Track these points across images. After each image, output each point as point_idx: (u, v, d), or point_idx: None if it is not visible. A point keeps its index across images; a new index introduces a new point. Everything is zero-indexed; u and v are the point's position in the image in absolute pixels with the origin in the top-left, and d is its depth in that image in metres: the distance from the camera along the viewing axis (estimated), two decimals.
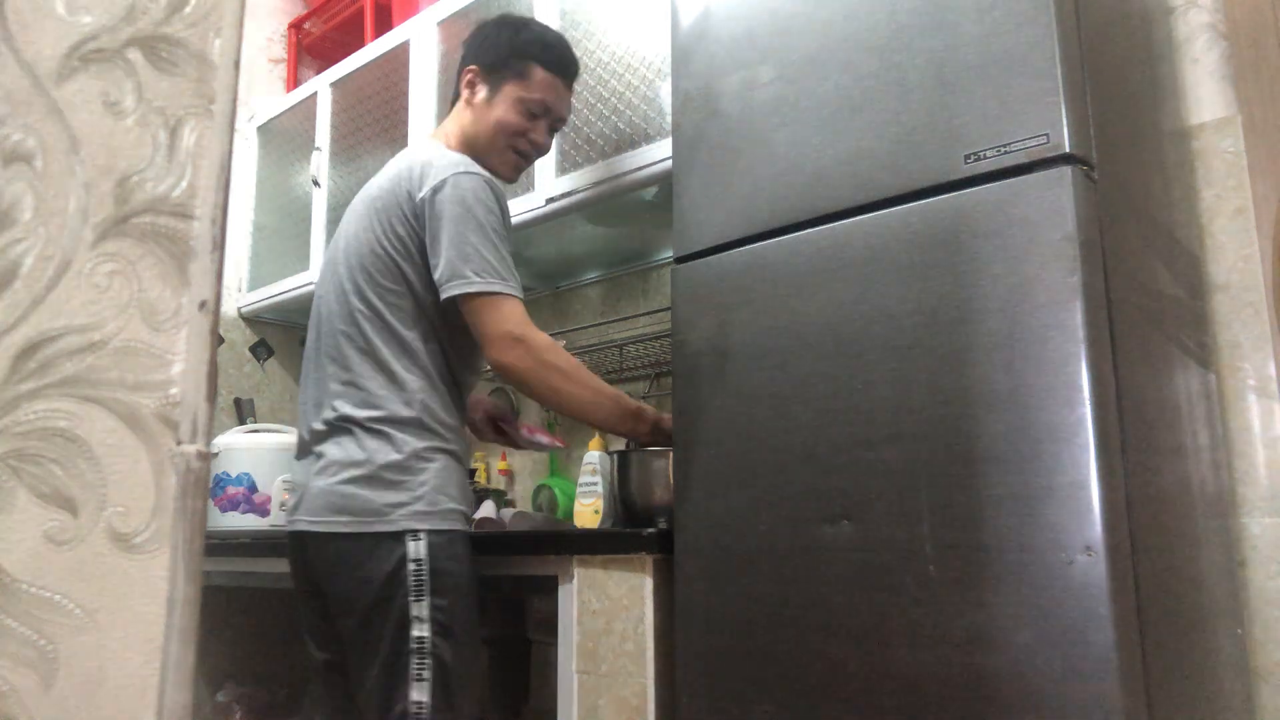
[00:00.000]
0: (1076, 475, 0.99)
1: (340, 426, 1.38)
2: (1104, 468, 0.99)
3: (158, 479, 0.48)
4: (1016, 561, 1.02)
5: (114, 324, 0.48)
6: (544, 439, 1.77)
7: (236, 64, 0.54)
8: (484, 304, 1.36)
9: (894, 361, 1.15)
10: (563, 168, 1.95)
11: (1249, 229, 1.44)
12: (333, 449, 1.37)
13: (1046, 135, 1.07)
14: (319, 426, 1.42)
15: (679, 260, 1.41)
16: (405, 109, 2.33)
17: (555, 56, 1.57)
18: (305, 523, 1.38)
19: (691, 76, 1.44)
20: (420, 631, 1.30)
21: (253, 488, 2.16)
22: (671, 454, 1.41)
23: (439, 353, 1.42)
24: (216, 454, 2.17)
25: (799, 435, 1.22)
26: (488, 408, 1.73)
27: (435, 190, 1.39)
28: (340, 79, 2.59)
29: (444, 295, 1.37)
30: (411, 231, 1.41)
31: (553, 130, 1.61)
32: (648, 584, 1.35)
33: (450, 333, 1.42)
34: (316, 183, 2.56)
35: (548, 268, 2.35)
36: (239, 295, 2.84)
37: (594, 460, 1.85)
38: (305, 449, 1.46)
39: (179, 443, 0.49)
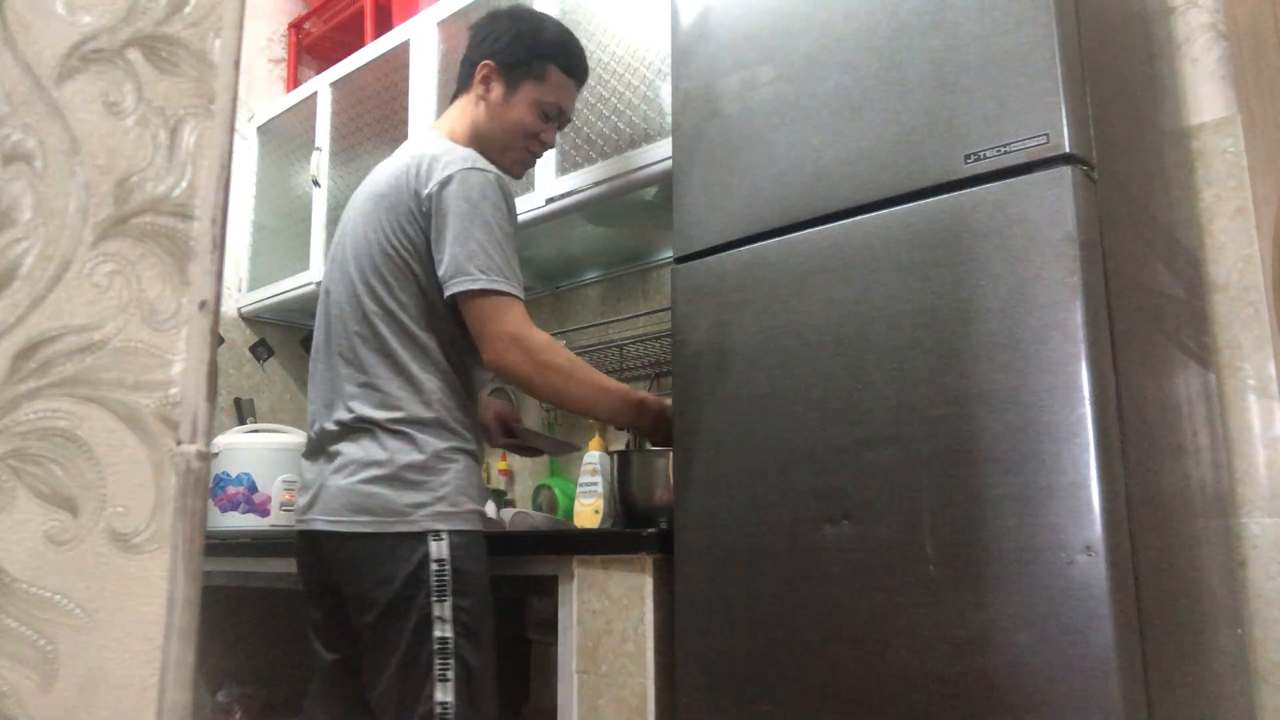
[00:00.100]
0: (1076, 475, 0.99)
1: (358, 427, 1.36)
2: (1104, 468, 0.99)
3: (158, 479, 0.48)
4: (1016, 561, 1.02)
5: (114, 324, 0.48)
6: (556, 442, 1.74)
7: (236, 64, 0.54)
8: (485, 303, 1.35)
9: (894, 361, 1.15)
10: (563, 168, 1.95)
11: (1249, 229, 1.44)
12: (351, 448, 1.36)
13: (1046, 135, 1.07)
14: (332, 427, 1.40)
15: (679, 260, 1.41)
16: (405, 109, 2.33)
17: (574, 60, 1.57)
18: (322, 522, 1.36)
19: (691, 76, 1.44)
20: (443, 632, 1.29)
21: (253, 488, 2.16)
22: (671, 454, 1.41)
23: (453, 351, 1.41)
24: (216, 454, 2.17)
25: (799, 435, 1.22)
26: (498, 409, 1.71)
27: (443, 185, 1.37)
28: (340, 79, 2.59)
29: (447, 292, 1.36)
30: (420, 231, 1.39)
31: (559, 130, 1.62)
32: (648, 584, 1.35)
33: (462, 331, 1.41)
34: (316, 183, 2.56)
35: (548, 268, 2.35)
36: (239, 295, 2.84)
37: (594, 460, 1.85)
38: (318, 449, 1.44)
39: (179, 443, 0.49)
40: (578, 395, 1.42)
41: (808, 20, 1.31)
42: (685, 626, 1.30)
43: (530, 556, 1.51)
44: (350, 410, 1.38)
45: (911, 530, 1.10)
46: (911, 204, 1.16)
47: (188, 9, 0.52)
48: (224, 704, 2.41)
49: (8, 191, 0.46)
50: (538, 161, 1.67)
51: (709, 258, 1.37)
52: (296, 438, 2.26)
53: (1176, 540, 1.18)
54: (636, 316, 2.23)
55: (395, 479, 1.32)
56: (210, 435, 0.50)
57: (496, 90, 1.53)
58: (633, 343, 2.20)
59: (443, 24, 2.29)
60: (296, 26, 3.11)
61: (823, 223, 1.25)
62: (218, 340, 0.52)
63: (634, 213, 1.98)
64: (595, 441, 2.01)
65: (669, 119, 1.56)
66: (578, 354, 2.19)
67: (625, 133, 1.84)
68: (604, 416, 1.50)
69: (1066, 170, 1.05)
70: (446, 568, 1.30)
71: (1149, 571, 1.05)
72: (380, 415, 1.35)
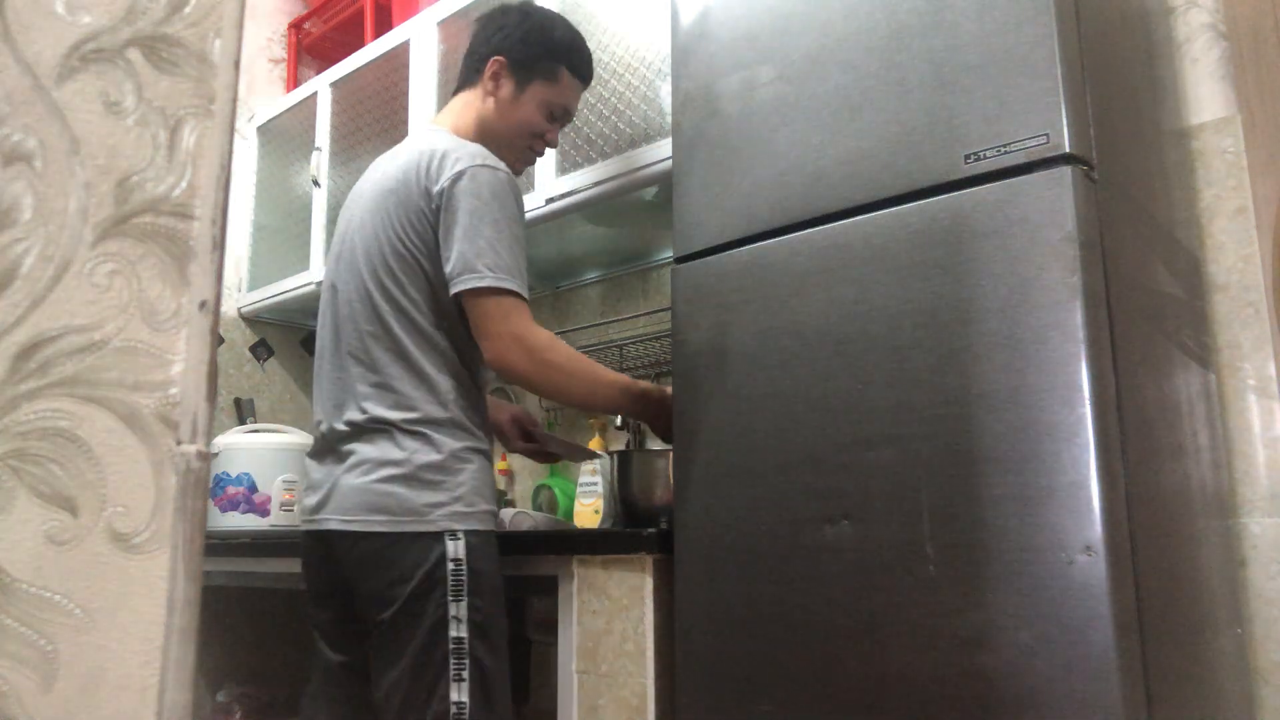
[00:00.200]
0: (1076, 475, 0.99)
1: (372, 428, 1.35)
2: (1104, 468, 0.99)
3: (158, 479, 0.48)
4: (1016, 561, 1.02)
5: (114, 324, 0.48)
6: (574, 448, 1.71)
7: (236, 64, 0.54)
8: (490, 302, 1.34)
9: (894, 361, 1.15)
10: (563, 168, 1.95)
11: (1249, 229, 1.44)
12: (366, 448, 1.35)
13: (1046, 135, 1.07)
14: (342, 427, 1.38)
15: (679, 260, 1.41)
16: (405, 109, 2.33)
17: (583, 62, 1.57)
18: (336, 521, 1.34)
19: (691, 76, 1.44)
20: (458, 632, 1.28)
21: (253, 488, 2.16)
22: (671, 454, 1.41)
23: (464, 349, 1.40)
24: (216, 454, 2.17)
25: (799, 435, 1.22)
26: (514, 413, 1.68)
27: (454, 181, 1.36)
28: (340, 79, 2.59)
29: (453, 290, 1.34)
30: (430, 228, 1.38)
31: (560, 128, 1.61)
32: (648, 584, 1.35)
33: (470, 328, 1.40)
34: (316, 183, 2.56)
35: (548, 268, 2.35)
36: (239, 295, 2.84)
37: (594, 460, 1.85)
38: (327, 449, 1.42)
39: (179, 443, 0.49)
40: (579, 392, 1.43)
41: (808, 20, 1.31)
42: (685, 626, 1.30)
43: (530, 556, 1.51)
44: (364, 411, 1.36)
45: (911, 530, 1.10)
46: (911, 204, 1.16)
47: (188, 9, 0.52)
48: (224, 704, 2.41)
49: (8, 191, 0.46)
50: (538, 161, 1.67)
51: (709, 258, 1.37)
52: (296, 438, 2.26)
53: (1176, 540, 1.18)
54: (636, 316, 2.23)
55: (412, 479, 1.31)
56: (210, 435, 0.50)
57: (506, 88, 1.51)
58: (633, 343, 2.20)
59: (443, 24, 2.29)
60: (296, 26, 3.11)
61: (823, 223, 1.25)
62: (218, 340, 0.52)
63: (634, 213, 1.98)
64: (595, 441, 2.01)
65: (669, 119, 1.56)
66: None
67: (625, 133, 1.84)
68: (606, 409, 1.50)
69: (1066, 170, 1.05)
70: (463, 567, 1.30)
71: (1149, 571, 1.05)
72: (396, 416, 1.34)
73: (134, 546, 0.47)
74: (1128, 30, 1.38)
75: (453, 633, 1.28)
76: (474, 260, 1.34)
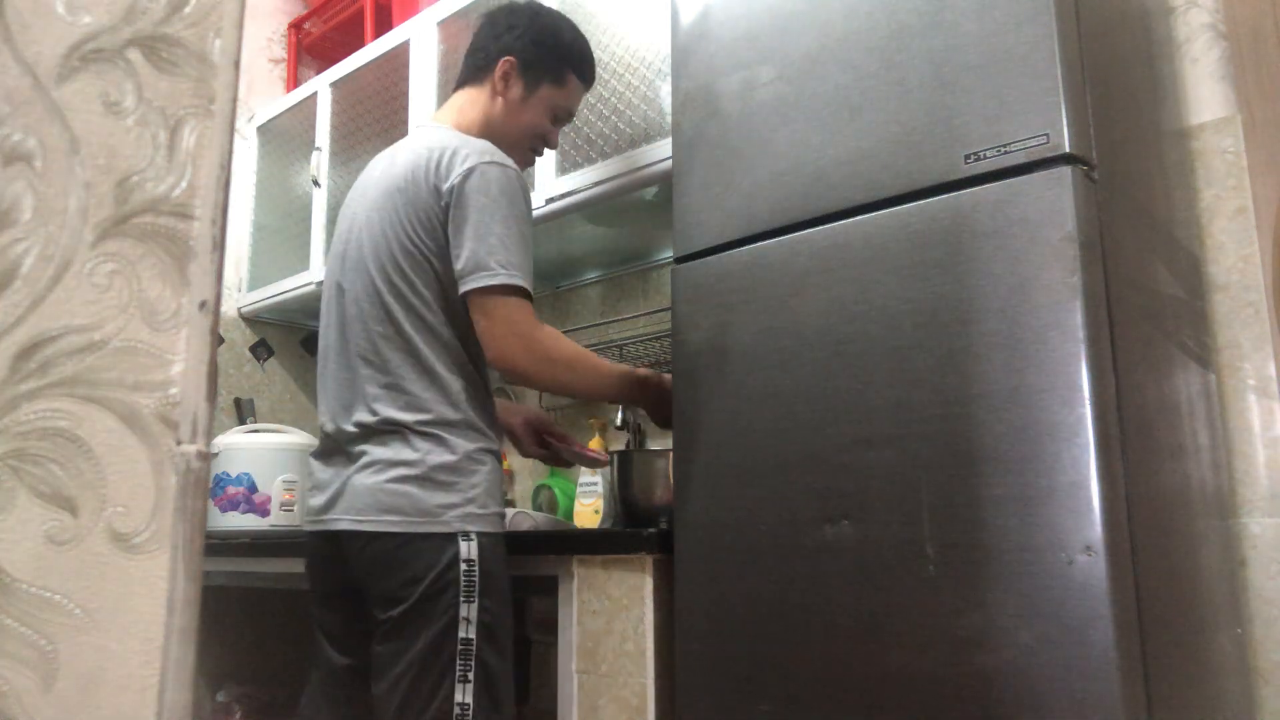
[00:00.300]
0: (1076, 475, 0.99)
1: (384, 429, 1.34)
2: (1104, 468, 0.99)
3: (158, 479, 0.48)
4: (1016, 561, 1.02)
5: (114, 324, 0.48)
6: (592, 453, 1.71)
7: (236, 64, 0.54)
8: (498, 300, 1.34)
9: (894, 361, 1.15)
10: (563, 168, 1.95)
11: (1249, 229, 1.44)
12: (377, 449, 1.34)
13: (1046, 135, 1.07)
14: (351, 429, 1.38)
15: (679, 260, 1.41)
16: (405, 109, 2.33)
17: (589, 66, 1.58)
18: (348, 521, 1.34)
19: (691, 76, 1.44)
20: (467, 633, 1.28)
21: (253, 488, 2.16)
22: (671, 454, 1.41)
23: (474, 348, 1.39)
24: (216, 454, 2.17)
25: (799, 435, 1.22)
26: (528, 416, 1.66)
27: (464, 178, 1.35)
28: (340, 79, 2.59)
29: (463, 287, 1.34)
30: (440, 226, 1.37)
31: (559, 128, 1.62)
32: (648, 584, 1.35)
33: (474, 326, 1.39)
34: (316, 183, 2.56)
35: (548, 268, 2.35)
36: (239, 295, 2.84)
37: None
38: (335, 449, 1.42)
39: (179, 443, 0.49)
40: (581, 385, 1.45)
41: (808, 20, 1.31)
42: (685, 626, 1.30)
43: (530, 556, 1.51)
44: (374, 412, 1.35)
45: (911, 530, 1.10)
46: (911, 204, 1.16)
47: (188, 9, 0.52)
48: (224, 704, 2.41)
49: (8, 191, 0.46)
50: (538, 161, 1.67)
51: (709, 258, 1.37)
52: (296, 438, 2.26)
53: (1176, 540, 1.18)
54: (636, 316, 2.23)
55: (426, 479, 1.31)
56: (210, 435, 0.50)
57: (516, 89, 1.51)
58: (633, 343, 2.20)
59: (443, 24, 2.29)
60: (296, 26, 3.11)
61: (823, 223, 1.25)
62: (218, 340, 0.52)
63: (634, 213, 1.98)
64: (595, 441, 2.01)
65: (669, 119, 1.56)
66: None
67: (625, 133, 1.84)
68: (608, 399, 1.52)
69: (1066, 170, 1.05)
70: (475, 569, 1.30)
71: (1149, 571, 1.05)
72: (408, 418, 1.33)
73: (134, 546, 0.47)
74: (1128, 30, 1.38)
75: (461, 634, 1.28)
76: (485, 258, 1.33)
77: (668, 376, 1.47)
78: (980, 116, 1.12)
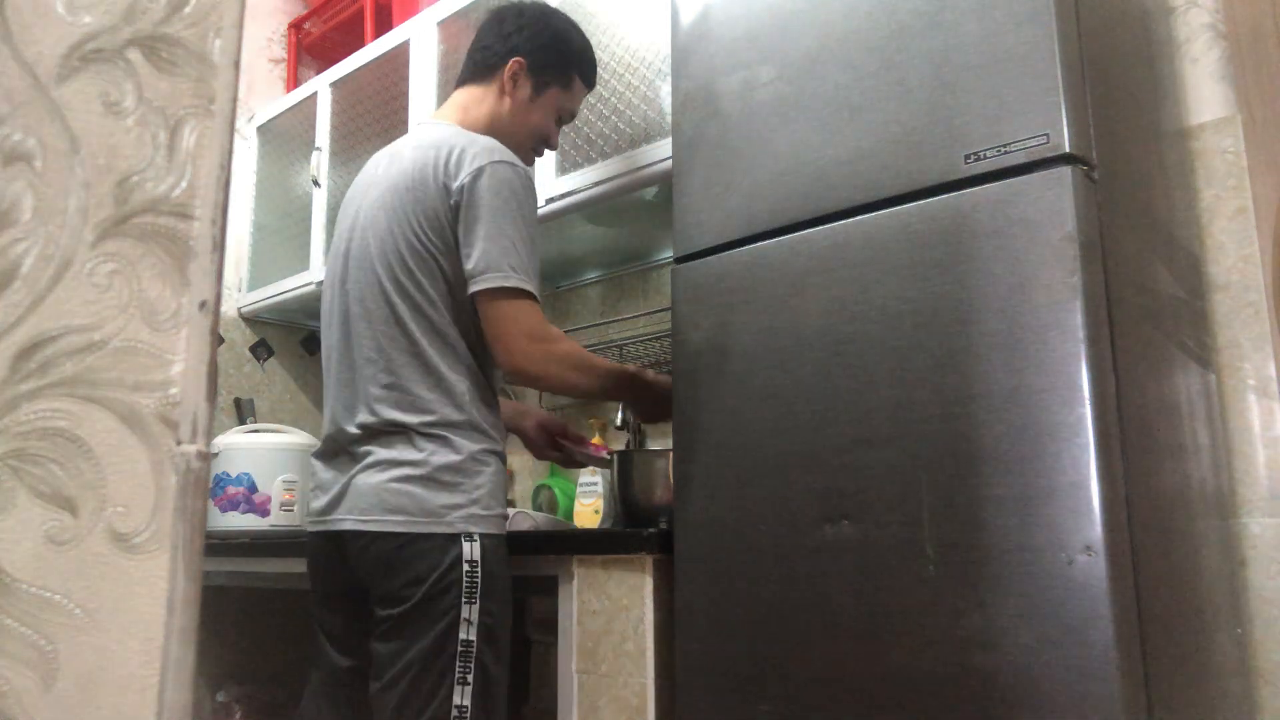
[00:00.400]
0: (1076, 475, 0.99)
1: (387, 430, 1.34)
2: (1104, 468, 0.99)
3: (158, 479, 0.48)
4: (1016, 561, 1.02)
5: (114, 324, 0.48)
6: (604, 454, 1.71)
7: (236, 64, 0.54)
8: (509, 303, 1.33)
9: (894, 361, 1.15)
10: (563, 168, 1.95)
11: (1249, 229, 1.44)
12: (381, 449, 1.33)
13: (1046, 135, 1.07)
14: (354, 430, 1.37)
15: (679, 260, 1.41)
16: (405, 109, 2.33)
17: (593, 70, 1.59)
18: (351, 521, 1.33)
19: (691, 76, 1.44)
20: (467, 635, 1.28)
21: (253, 488, 2.16)
22: (671, 454, 1.41)
23: (479, 349, 1.39)
24: (216, 454, 2.17)
25: (799, 435, 1.22)
26: (540, 419, 1.66)
27: (474, 177, 1.34)
28: (340, 79, 2.59)
29: (475, 288, 1.33)
30: (449, 226, 1.36)
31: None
32: (648, 584, 1.35)
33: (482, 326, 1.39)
34: (316, 183, 2.56)
35: (548, 268, 2.35)
36: (239, 295, 2.84)
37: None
38: (337, 450, 1.41)
39: (179, 443, 0.49)
40: (584, 385, 1.45)
41: (808, 20, 1.31)
42: (685, 626, 1.30)
43: (530, 556, 1.50)
44: (376, 414, 1.35)
45: (911, 530, 1.10)
46: (911, 204, 1.16)
47: (188, 9, 0.52)
48: (224, 704, 2.41)
49: (8, 191, 0.46)
50: (538, 161, 1.67)
51: (709, 258, 1.37)
52: (296, 438, 2.26)
53: (1176, 540, 1.18)
54: (636, 316, 2.23)
55: (430, 480, 1.30)
56: (210, 435, 0.50)
57: (524, 90, 1.51)
58: (633, 343, 2.20)
59: (443, 24, 2.29)
60: (296, 26, 3.11)
61: (823, 223, 1.25)
62: (218, 340, 0.52)
63: (634, 213, 1.99)
64: (595, 441, 2.01)
65: (669, 119, 1.56)
66: None
67: (625, 133, 1.84)
68: (611, 399, 1.53)
69: (1066, 170, 1.05)
70: (478, 570, 1.29)
71: (1149, 571, 1.05)
72: (411, 419, 1.33)
73: (134, 546, 0.47)
74: (1127, 30, 1.38)
75: (462, 635, 1.28)
76: (499, 259, 1.33)
77: (657, 375, 1.48)
78: (980, 116, 1.12)
